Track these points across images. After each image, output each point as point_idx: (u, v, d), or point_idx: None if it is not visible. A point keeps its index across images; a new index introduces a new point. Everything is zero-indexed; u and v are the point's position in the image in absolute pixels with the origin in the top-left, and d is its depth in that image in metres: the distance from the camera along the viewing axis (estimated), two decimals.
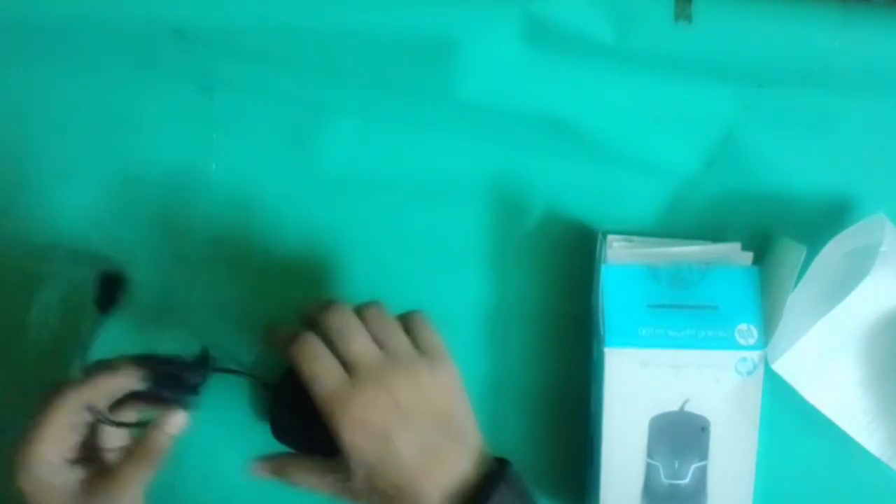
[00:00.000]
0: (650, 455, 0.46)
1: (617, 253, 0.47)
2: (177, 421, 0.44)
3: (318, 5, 0.44)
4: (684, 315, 0.45)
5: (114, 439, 0.46)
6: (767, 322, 0.45)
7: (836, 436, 0.46)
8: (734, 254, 0.46)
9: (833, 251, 0.45)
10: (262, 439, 0.52)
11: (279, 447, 0.51)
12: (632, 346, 0.45)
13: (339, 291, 0.46)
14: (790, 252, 0.45)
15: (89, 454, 0.44)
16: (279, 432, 0.51)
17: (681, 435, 0.46)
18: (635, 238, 0.47)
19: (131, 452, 0.43)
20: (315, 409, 0.50)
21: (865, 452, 0.46)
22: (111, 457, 0.45)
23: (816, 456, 0.49)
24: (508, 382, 0.47)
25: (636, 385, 0.45)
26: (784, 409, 0.48)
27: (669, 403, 0.46)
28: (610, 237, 0.47)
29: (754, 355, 0.45)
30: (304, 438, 0.51)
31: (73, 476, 0.42)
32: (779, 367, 0.45)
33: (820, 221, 0.48)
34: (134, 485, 0.43)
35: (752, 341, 0.45)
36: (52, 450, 0.42)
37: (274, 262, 0.53)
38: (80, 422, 0.43)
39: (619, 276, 0.46)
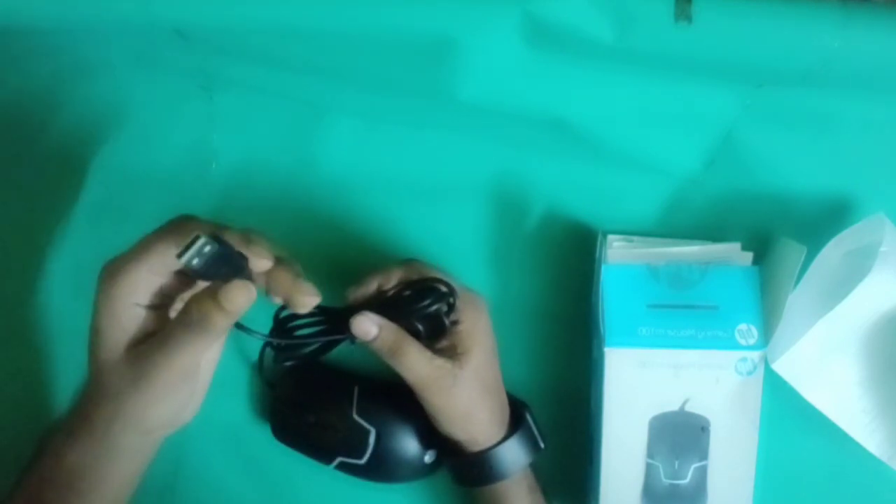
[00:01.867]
0: (650, 455, 0.46)
1: (617, 253, 0.47)
2: (240, 296, 0.36)
3: (318, 5, 0.44)
4: (684, 315, 0.45)
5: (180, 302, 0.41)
6: (767, 322, 0.45)
7: (836, 436, 0.46)
8: (734, 254, 0.46)
9: (833, 251, 0.45)
10: (262, 439, 0.52)
11: (279, 447, 0.51)
12: (632, 345, 0.45)
13: (340, 291, 0.46)
14: (790, 252, 0.45)
15: (155, 308, 0.39)
16: (279, 432, 0.51)
17: (681, 435, 0.46)
18: (635, 238, 0.47)
19: (182, 318, 0.37)
20: (315, 409, 0.50)
21: (865, 452, 0.46)
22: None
23: (816, 456, 0.49)
24: (508, 382, 0.47)
25: (636, 385, 0.45)
26: (784, 409, 0.48)
27: (669, 403, 0.46)
28: (610, 237, 0.47)
29: (754, 355, 0.45)
30: (305, 438, 0.51)
31: (136, 322, 0.38)
32: (779, 367, 0.45)
33: (820, 221, 0.48)
34: (184, 352, 0.37)
35: (752, 341, 0.45)
36: (135, 286, 0.38)
37: None
38: (164, 271, 0.38)
39: (619, 276, 0.46)
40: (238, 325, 0.40)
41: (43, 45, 0.52)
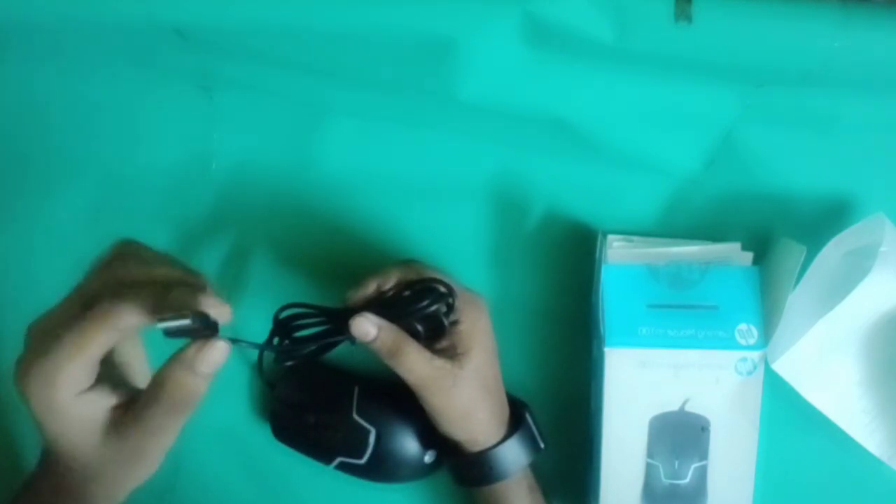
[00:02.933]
0: (650, 455, 0.46)
1: (617, 253, 0.47)
2: (212, 357, 0.35)
3: (318, 5, 0.44)
4: (684, 315, 0.45)
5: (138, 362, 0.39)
6: (767, 322, 0.45)
7: (836, 436, 0.46)
8: (734, 254, 0.46)
9: (833, 251, 0.45)
10: (262, 439, 0.52)
11: (279, 447, 0.51)
12: (632, 345, 0.45)
13: (339, 291, 0.46)
14: (790, 252, 0.45)
15: (110, 374, 0.37)
16: (279, 432, 0.51)
17: (681, 435, 0.46)
18: (635, 238, 0.47)
19: (161, 399, 0.35)
20: (315, 409, 0.50)
21: (865, 452, 0.46)
22: (137, 379, 0.39)
23: (816, 456, 0.49)
24: (508, 382, 0.47)
25: (636, 385, 0.45)
26: (784, 409, 0.48)
27: (669, 403, 0.46)
28: (610, 237, 0.47)
29: (754, 355, 0.45)
30: (304, 438, 0.51)
31: (99, 402, 0.36)
32: (779, 367, 0.45)
33: (820, 221, 0.48)
34: (171, 430, 0.36)
35: (752, 341, 0.45)
36: (82, 368, 0.34)
37: (273, 261, 0.53)
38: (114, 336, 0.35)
39: (619, 275, 0.46)
40: (233, 339, 0.40)
41: (43, 45, 0.52)
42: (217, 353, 0.35)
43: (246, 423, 0.53)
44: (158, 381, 0.35)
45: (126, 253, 0.38)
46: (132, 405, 0.36)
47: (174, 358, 0.35)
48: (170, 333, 0.34)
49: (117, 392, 0.37)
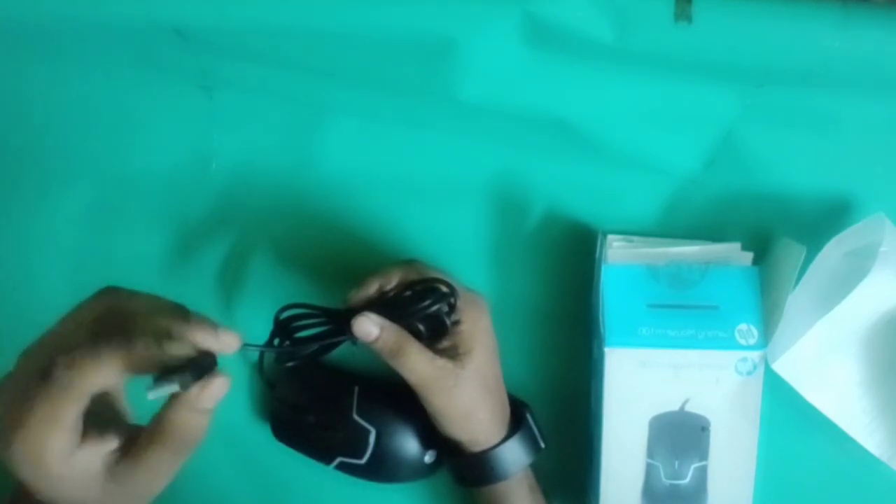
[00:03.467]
0: (650, 455, 0.46)
1: (617, 253, 0.47)
2: (213, 392, 0.34)
3: (318, 5, 0.44)
4: (684, 315, 0.45)
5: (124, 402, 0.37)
6: (767, 322, 0.45)
7: (836, 436, 0.46)
8: (734, 254, 0.46)
9: (833, 251, 0.45)
10: (262, 439, 0.52)
11: (279, 447, 0.51)
12: (632, 345, 0.45)
13: (340, 292, 0.46)
14: (790, 252, 0.45)
15: (97, 419, 0.35)
16: (279, 432, 0.51)
17: (681, 435, 0.46)
18: (635, 238, 0.47)
19: (164, 440, 0.34)
20: (315, 409, 0.50)
21: (865, 452, 0.46)
22: (125, 412, 0.37)
23: (816, 456, 0.49)
24: (508, 382, 0.47)
25: (636, 385, 0.45)
26: (784, 409, 0.48)
27: (669, 403, 0.45)
28: (610, 237, 0.47)
29: (754, 355, 0.45)
30: (305, 438, 0.51)
31: (94, 455, 0.34)
32: (779, 367, 0.45)
33: (820, 221, 0.48)
34: (175, 469, 0.35)
35: (752, 341, 0.45)
36: (65, 435, 0.32)
37: (273, 261, 0.53)
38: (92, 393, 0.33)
39: (619, 276, 0.46)
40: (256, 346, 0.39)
41: (43, 45, 0.52)
42: (219, 388, 0.34)
43: (246, 423, 0.53)
44: (159, 422, 0.34)
45: (107, 302, 0.36)
46: (130, 447, 0.34)
47: (175, 398, 0.34)
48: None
49: (109, 436, 0.35)
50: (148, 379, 0.33)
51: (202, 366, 0.35)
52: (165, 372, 0.33)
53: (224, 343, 0.35)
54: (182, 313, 0.36)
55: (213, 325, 0.35)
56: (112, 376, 0.33)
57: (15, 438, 0.32)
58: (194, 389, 0.34)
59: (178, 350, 0.34)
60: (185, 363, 0.34)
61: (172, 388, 0.33)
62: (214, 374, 0.34)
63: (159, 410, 0.34)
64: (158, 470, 0.34)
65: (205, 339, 0.35)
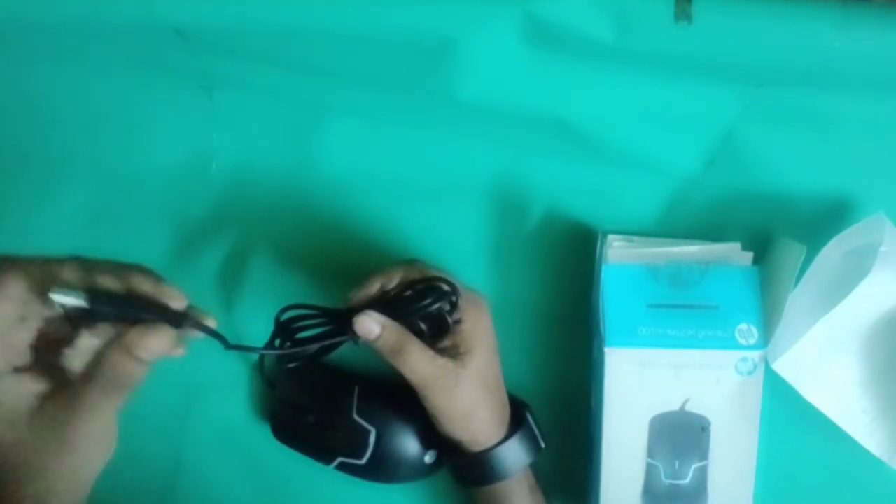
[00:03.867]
0: (650, 455, 0.46)
1: (617, 253, 0.47)
2: (151, 343, 0.35)
3: (318, 5, 0.44)
4: (684, 315, 0.45)
5: (75, 350, 0.37)
6: (767, 322, 0.45)
7: (836, 436, 0.46)
8: (734, 254, 0.46)
9: (833, 251, 0.45)
10: (262, 439, 0.52)
11: (279, 447, 0.51)
12: (632, 345, 0.45)
13: (340, 292, 0.46)
14: (790, 252, 0.45)
15: (43, 363, 0.36)
16: (279, 432, 0.51)
17: (681, 435, 0.46)
18: (635, 238, 0.47)
19: (95, 378, 0.35)
20: (315, 410, 0.50)
21: (865, 452, 0.46)
22: (73, 367, 0.37)
23: (816, 456, 0.49)
24: (508, 382, 0.47)
25: (636, 385, 0.45)
26: (784, 409, 0.48)
27: (669, 403, 0.46)
28: (610, 237, 0.47)
29: (754, 355, 0.45)
30: (305, 438, 0.51)
31: (24, 389, 0.35)
32: (779, 366, 0.45)
33: (820, 221, 0.48)
34: (103, 412, 0.35)
35: (752, 341, 0.45)
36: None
37: (274, 261, 0.53)
38: (33, 314, 0.35)
39: (619, 275, 0.46)
40: (236, 346, 0.40)
41: (43, 45, 0.52)
42: (157, 340, 0.34)
43: (246, 423, 0.53)
44: (95, 362, 0.35)
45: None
46: (64, 391, 0.35)
47: (115, 340, 0.35)
48: (67, 310, 0.34)
49: (47, 378, 0.36)
50: None
51: (150, 312, 0.35)
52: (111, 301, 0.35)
53: (171, 297, 0.36)
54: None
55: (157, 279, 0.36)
56: (27, 285, 0.34)
57: None
58: (131, 333, 0.34)
59: (104, 281, 0.35)
60: (136, 303, 0.35)
61: (77, 300, 0.34)
62: (159, 325, 0.35)
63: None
64: (85, 409, 0.35)
65: (142, 283, 0.36)
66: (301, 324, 0.46)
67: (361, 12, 0.44)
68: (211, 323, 0.38)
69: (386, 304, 0.44)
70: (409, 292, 0.44)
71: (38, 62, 0.53)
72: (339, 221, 0.52)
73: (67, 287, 0.34)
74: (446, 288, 0.43)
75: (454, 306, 0.44)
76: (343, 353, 0.49)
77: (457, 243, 0.51)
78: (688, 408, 0.45)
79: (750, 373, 0.45)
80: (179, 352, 0.37)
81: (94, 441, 0.36)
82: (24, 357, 0.35)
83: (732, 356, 0.45)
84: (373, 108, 0.51)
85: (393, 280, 0.45)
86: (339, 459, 0.49)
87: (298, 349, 0.46)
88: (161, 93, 0.53)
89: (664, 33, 0.42)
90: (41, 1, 0.46)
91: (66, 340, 0.37)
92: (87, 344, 0.36)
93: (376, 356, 0.44)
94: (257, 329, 0.49)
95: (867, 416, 0.47)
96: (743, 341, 0.45)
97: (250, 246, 0.53)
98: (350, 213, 0.52)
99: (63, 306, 0.34)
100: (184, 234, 0.53)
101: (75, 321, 0.36)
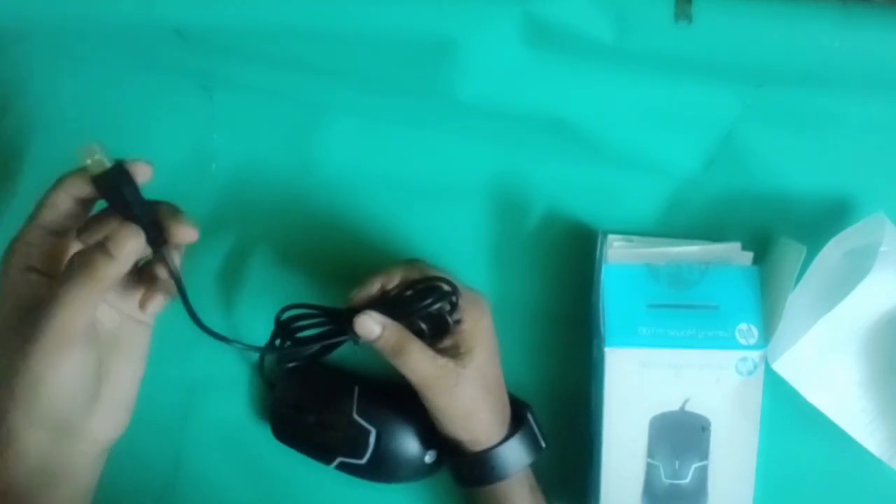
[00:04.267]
0: (650, 455, 0.46)
1: (617, 253, 0.47)
2: (124, 240, 0.36)
3: (318, 5, 0.44)
4: (684, 315, 0.45)
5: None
6: (767, 322, 0.45)
7: (836, 436, 0.46)
8: (734, 254, 0.46)
9: (833, 251, 0.45)
10: (262, 439, 0.52)
11: (279, 447, 0.51)
12: (632, 345, 0.45)
13: (340, 292, 0.46)
14: (790, 252, 0.45)
15: (54, 268, 0.38)
16: (279, 432, 0.51)
17: (681, 435, 0.46)
18: (635, 238, 0.47)
19: (66, 269, 0.36)
20: (315, 409, 0.50)
21: (865, 452, 0.46)
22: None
23: (816, 456, 0.49)
24: (508, 382, 0.47)
25: (636, 385, 0.45)
26: (784, 409, 0.48)
27: (670, 403, 0.46)
28: (610, 237, 0.47)
29: (755, 355, 0.45)
30: (305, 438, 0.51)
31: (34, 289, 0.37)
32: (779, 366, 0.45)
33: (820, 221, 0.48)
34: (70, 307, 0.35)
35: (752, 341, 0.45)
36: (27, 247, 0.37)
37: (274, 261, 0.53)
38: (63, 220, 0.38)
39: (619, 275, 0.46)
40: (236, 342, 0.40)
41: (43, 45, 0.52)
42: (128, 239, 0.36)
43: (246, 423, 0.53)
44: (70, 258, 0.36)
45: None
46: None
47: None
48: (96, 180, 0.37)
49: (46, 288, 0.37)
50: None
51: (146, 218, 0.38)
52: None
53: (179, 231, 0.38)
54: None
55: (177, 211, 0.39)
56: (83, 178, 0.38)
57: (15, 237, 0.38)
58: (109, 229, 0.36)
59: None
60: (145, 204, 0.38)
61: (107, 161, 0.38)
62: (129, 224, 0.37)
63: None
64: (56, 300, 0.35)
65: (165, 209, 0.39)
66: (301, 323, 0.46)
67: (361, 12, 0.44)
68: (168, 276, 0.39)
69: (386, 304, 0.44)
70: (409, 292, 0.44)
71: (38, 62, 0.53)
72: (339, 221, 0.52)
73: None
74: (447, 288, 0.43)
75: (454, 306, 0.44)
76: (343, 352, 0.49)
77: (457, 243, 0.51)
78: (688, 408, 0.45)
79: (750, 373, 0.45)
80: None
81: (62, 352, 0.35)
82: (38, 261, 0.38)
83: (732, 356, 0.45)
84: (373, 108, 0.51)
85: (393, 280, 0.45)
86: (340, 459, 0.49)
87: (298, 348, 0.46)
88: (161, 93, 0.53)
89: (664, 33, 0.42)
90: (41, 1, 0.46)
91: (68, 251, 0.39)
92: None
93: (376, 356, 0.44)
94: (257, 329, 0.49)
95: (867, 416, 0.47)
96: (743, 341, 0.45)
97: (250, 246, 0.53)
98: (350, 213, 0.52)
99: (95, 163, 0.37)
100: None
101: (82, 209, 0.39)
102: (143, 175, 0.38)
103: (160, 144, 0.53)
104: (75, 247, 0.39)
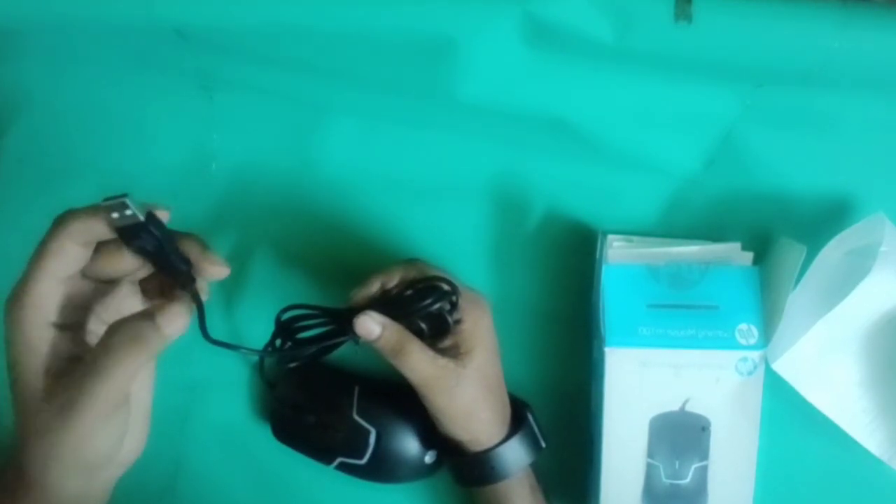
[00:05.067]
0: (650, 455, 0.46)
1: (617, 253, 0.47)
2: (178, 318, 0.35)
3: (318, 5, 0.44)
4: (684, 315, 0.45)
5: (104, 308, 0.38)
6: (767, 322, 0.45)
7: (836, 436, 0.46)
8: (734, 254, 0.46)
9: (833, 251, 0.45)
10: (262, 439, 0.52)
11: (279, 447, 0.51)
12: (632, 345, 0.45)
13: (340, 292, 0.46)
14: (790, 252, 0.45)
15: (74, 325, 0.37)
16: (279, 432, 0.51)
17: (681, 435, 0.46)
18: (635, 238, 0.47)
19: (110, 339, 0.35)
20: (315, 409, 0.50)
21: (865, 452, 0.46)
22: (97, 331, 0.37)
23: (816, 456, 0.49)
24: (508, 382, 0.47)
25: (636, 385, 0.45)
26: (784, 409, 0.48)
27: (670, 403, 0.46)
28: (610, 237, 0.47)
29: (755, 355, 0.45)
30: (305, 438, 0.51)
31: (56, 346, 0.36)
32: (779, 367, 0.45)
33: (820, 221, 0.48)
34: (113, 379, 0.34)
35: (752, 341, 0.45)
36: (42, 300, 0.35)
37: (274, 262, 0.53)
38: (75, 267, 0.36)
39: (619, 275, 0.46)
40: (240, 348, 0.40)
41: (43, 45, 0.52)
42: (182, 316, 0.35)
43: (246, 423, 0.53)
44: (113, 327, 0.35)
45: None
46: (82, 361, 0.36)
47: (136, 312, 0.36)
48: (122, 231, 0.35)
49: (76, 346, 0.37)
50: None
51: (183, 263, 0.37)
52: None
53: (211, 269, 0.38)
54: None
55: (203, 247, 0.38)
56: (91, 220, 0.36)
57: (13, 290, 0.36)
58: (158, 304, 0.35)
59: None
60: (177, 249, 0.37)
61: (138, 214, 0.35)
62: (180, 301, 0.36)
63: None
64: (103, 375, 0.34)
65: (191, 245, 0.37)
66: (301, 324, 0.46)
67: (361, 12, 0.44)
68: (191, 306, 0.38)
69: (386, 304, 0.44)
70: (409, 292, 0.44)
71: (38, 62, 0.53)
72: (340, 221, 0.52)
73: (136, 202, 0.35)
74: (447, 287, 0.43)
75: (455, 306, 0.44)
76: (343, 352, 0.49)
77: (457, 243, 0.51)
78: (688, 408, 0.45)
79: (750, 373, 0.45)
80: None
81: (102, 416, 0.35)
82: (54, 314, 0.36)
83: (732, 356, 0.45)
84: (373, 108, 0.51)
85: (393, 280, 0.45)
86: (340, 459, 0.49)
87: (298, 349, 0.46)
88: (161, 93, 0.53)
89: (664, 33, 0.42)
90: (42, 1, 0.46)
91: (91, 302, 0.38)
92: (114, 305, 0.38)
93: (376, 356, 0.44)
94: (258, 329, 0.49)
95: (867, 416, 0.47)
96: (743, 341, 0.45)
97: (250, 246, 0.53)
98: (350, 213, 0.52)
99: (123, 215, 0.35)
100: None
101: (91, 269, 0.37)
102: (164, 220, 0.37)
103: (160, 144, 0.53)
104: (89, 292, 0.38)
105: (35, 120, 0.54)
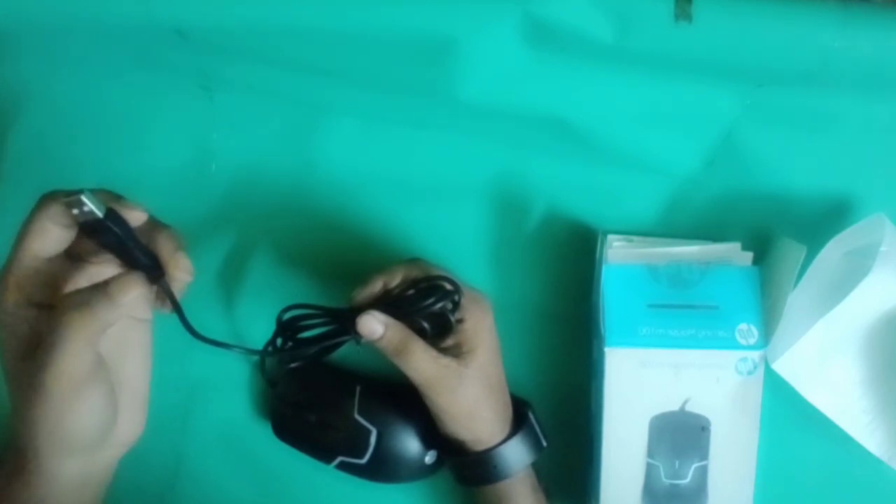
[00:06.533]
0: (650, 455, 0.46)
1: (617, 253, 0.47)
2: (126, 287, 0.35)
3: (318, 5, 0.44)
4: (684, 315, 0.45)
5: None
6: (767, 322, 0.45)
7: (836, 436, 0.46)
8: (734, 254, 0.47)
9: (833, 251, 0.45)
10: (262, 438, 0.52)
11: (280, 446, 0.51)
12: (632, 345, 0.45)
13: (341, 292, 0.46)
14: (790, 252, 0.45)
15: (50, 296, 0.37)
16: (280, 431, 0.51)
17: (681, 435, 0.46)
18: (635, 238, 0.47)
19: (60, 312, 0.35)
20: (316, 409, 0.50)
21: (865, 452, 0.46)
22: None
23: (816, 456, 0.49)
24: (508, 382, 0.47)
25: (636, 385, 0.45)
26: (784, 409, 0.48)
27: (670, 403, 0.46)
28: (610, 237, 0.47)
29: (754, 355, 0.45)
30: (305, 438, 0.51)
31: (25, 317, 0.36)
32: (779, 366, 0.45)
33: (820, 221, 0.48)
34: (69, 348, 0.34)
35: (752, 341, 0.45)
36: (23, 280, 0.36)
37: (274, 261, 0.53)
38: (56, 248, 0.37)
39: (619, 275, 0.46)
40: (236, 347, 0.40)
41: (43, 45, 0.52)
42: (133, 285, 0.36)
43: (247, 423, 0.53)
44: (66, 296, 0.35)
45: None
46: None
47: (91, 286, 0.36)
48: (83, 225, 0.35)
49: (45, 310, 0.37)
50: None
51: (147, 258, 0.37)
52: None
53: (174, 262, 0.38)
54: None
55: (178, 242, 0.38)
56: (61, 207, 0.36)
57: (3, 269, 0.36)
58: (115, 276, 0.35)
59: (131, 214, 0.37)
60: (139, 245, 0.37)
61: (97, 209, 0.35)
62: (133, 273, 0.36)
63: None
64: (57, 345, 0.34)
65: (165, 242, 0.38)
66: (303, 323, 0.46)
67: (362, 12, 0.44)
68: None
69: (388, 304, 0.44)
70: (411, 291, 0.44)
71: (38, 63, 0.53)
72: (340, 221, 0.52)
73: (96, 198, 0.35)
74: (449, 287, 0.43)
75: (457, 305, 0.44)
76: (345, 352, 0.49)
77: (457, 243, 0.51)
78: (688, 408, 0.45)
79: (750, 373, 0.45)
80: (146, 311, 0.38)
81: (71, 390, 0.35)
82: (34, 294, 0.36)
83: (732, 356, 0.45)
84: (373, 108, 0.51)
85: (395, 279, 0.45)
86: (340, 459, 0.49)
87: (300, 349, 0.46)
88: (161, 93, 0.53)
89: (664, 33, 0.42)
90: (42, 2, 0.46)
91: (83, 279, 0.38)
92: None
93: (378, 356, 0.44)
94: (259, 329, 0.49)
95: (867, 416, 0.47)
96: (743, 341, 0.45)
97: (250, 246, 0.53)
98: (350, 213, 0.52)
99: (83, 211, 0.35)
100: (184, 233, 0.53)
101: (76, 249, 0.37)
102: (136, 219, 0.37)
103: (160, 144, 0.53)
104: (69, 272, 0.38)
105: (35, 120, 0.54)
